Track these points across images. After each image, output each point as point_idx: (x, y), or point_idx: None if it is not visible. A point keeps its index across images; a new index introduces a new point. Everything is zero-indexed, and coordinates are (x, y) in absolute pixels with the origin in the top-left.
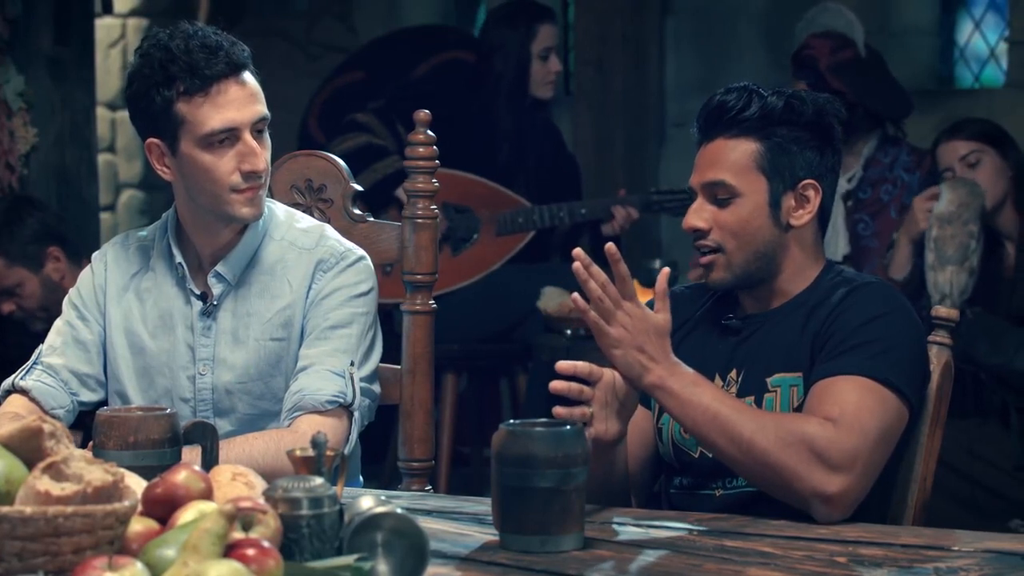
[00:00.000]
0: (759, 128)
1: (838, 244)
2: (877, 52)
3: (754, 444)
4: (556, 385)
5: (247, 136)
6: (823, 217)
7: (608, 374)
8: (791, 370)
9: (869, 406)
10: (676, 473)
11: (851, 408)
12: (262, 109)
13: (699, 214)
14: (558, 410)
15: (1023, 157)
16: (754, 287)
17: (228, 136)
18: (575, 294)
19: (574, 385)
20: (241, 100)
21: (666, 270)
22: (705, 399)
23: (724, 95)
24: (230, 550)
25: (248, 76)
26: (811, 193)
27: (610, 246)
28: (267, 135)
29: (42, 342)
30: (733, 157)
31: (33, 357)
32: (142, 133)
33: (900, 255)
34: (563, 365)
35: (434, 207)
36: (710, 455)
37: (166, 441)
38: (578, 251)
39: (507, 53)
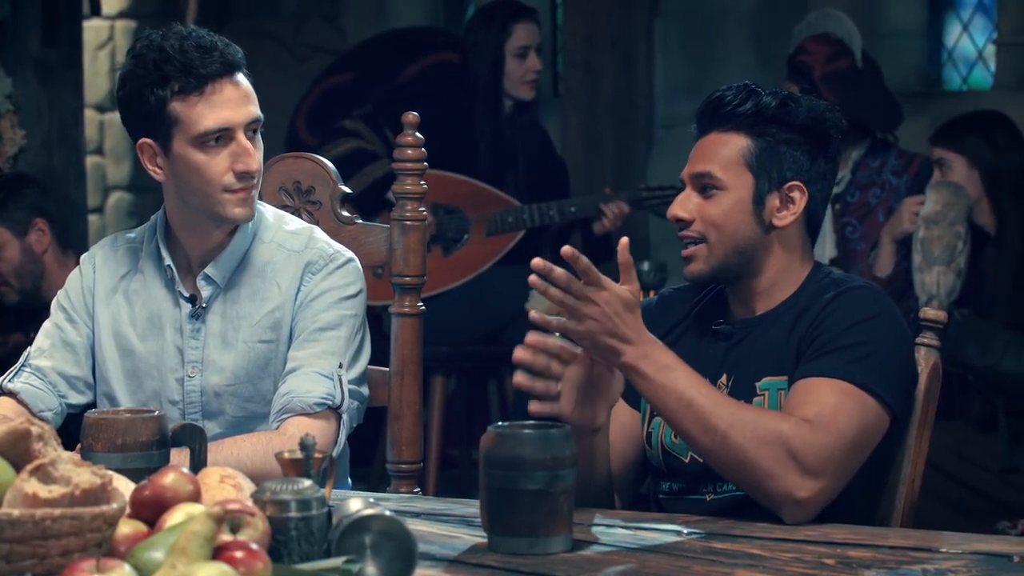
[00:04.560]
0: (751, 125)
1: (825, 247)
2: (873, 61)
3: (729, 438)
4: (519, 355)
5: (241, 136)
6: (812, 222)
7: (584, 356)
8: (779, 374)
9: (847, 410)
10: (664, 478)
11: (828, 411)
12: (255, 110)
13: (683, 204)
14: (518, 379)
15: (993, 158)
16: (733, 283)
17: (222, 136)
18: (532, 312)
19: (539, 358)
20: (236, 100)
21: (624, 240)
22: (680, 384)
23: (722, 91)
24: (218, 552)
25: (242, 77)
26: (796, 195)
27: (565, 249)
28: (260, 137)
29: (11, 316)
30: (723, 151)
31: (21, 359)
32: (134, 133)
33: (883, 253)
34: (531, 339)
35: (423, 209)
36: (701, 459)
37: (154, 443)
38: (536, 261)
39: (481, 52)
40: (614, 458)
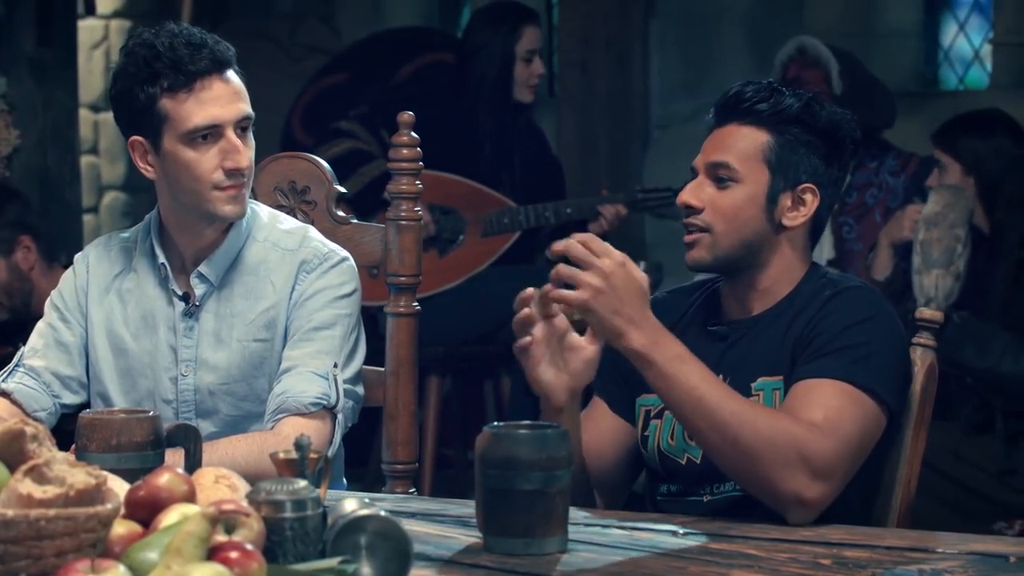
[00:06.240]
0: (773, 122)
1: (824, 249)
2: (860, 63)
3: (740, 438)
4: (528, 292)
5: (230, 133)
6: (816, 225)
7: (562, 323)
8: (774, 374)
9: (851, 413)
10: (662, 480)
11: (833, 413)
12: (246, 108)
13: (695, 192)
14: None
15: (989, 164)
16: (734, 276)
17: (211, 133)
18: (561, 266)
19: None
20: (225, 97)
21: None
22: (692, 378)
23: (746, 85)
24: (213, 553)
25: (232, 74)
26: (809, 197)
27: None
28: (251, 135)
29: (3, 338)
30: (742, 144)
31: (15, 359)
32: (125, 131)
33: (881, 256)
34: (557, 247)
35: (418, 209)
36: (697, 461)
37: (149, 444)
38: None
39: (490, 54)
40: (592, 457)
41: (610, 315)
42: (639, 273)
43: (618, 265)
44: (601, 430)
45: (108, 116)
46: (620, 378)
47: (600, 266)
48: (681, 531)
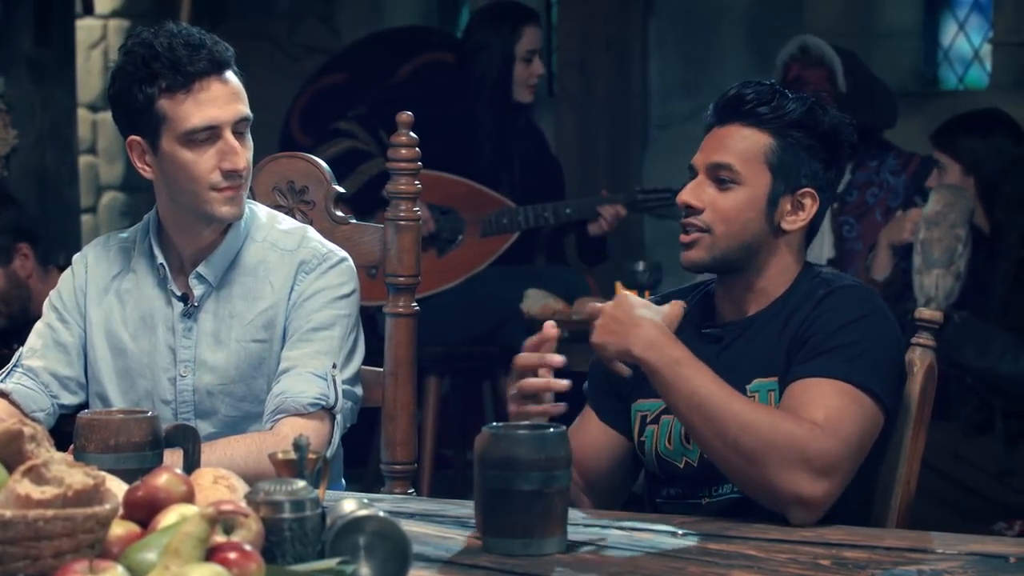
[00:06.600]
0: (775, 125)
1: (823, 247)
2: (862, 62)
3: (741, 440)
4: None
5: (228, 134)
6: (812, 227)
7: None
8: (769, 375)
9: (851, 412)
10: (663, 484)
11: (833, 413)
12: (244, 109)
13: (696, 193)
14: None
15: (989, 164)
16: (731, 276)
17: (209, 134)
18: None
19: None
20: (223, 98)
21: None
22: (691, 383)
23: (746, 85)
24: (212, 554)
25: (231, 75)
26: (808, 201)
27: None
28: (249, 136)
29: (0, 341)
30: (743, 145)
31: (13, 360)
32: (124, 131)
33: (881, 256)
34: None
35: (417, 209)
36: (695, 464)
37: (147, 444)
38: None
39: (491, 54)
40: (582, 461)
41: (607, 337)
42: (634, 297)
43: (606, 304)
44: (591, 437)
45: (106, 116)
46: (612, 389)
47: (596, 310)
48: (680, 532)
